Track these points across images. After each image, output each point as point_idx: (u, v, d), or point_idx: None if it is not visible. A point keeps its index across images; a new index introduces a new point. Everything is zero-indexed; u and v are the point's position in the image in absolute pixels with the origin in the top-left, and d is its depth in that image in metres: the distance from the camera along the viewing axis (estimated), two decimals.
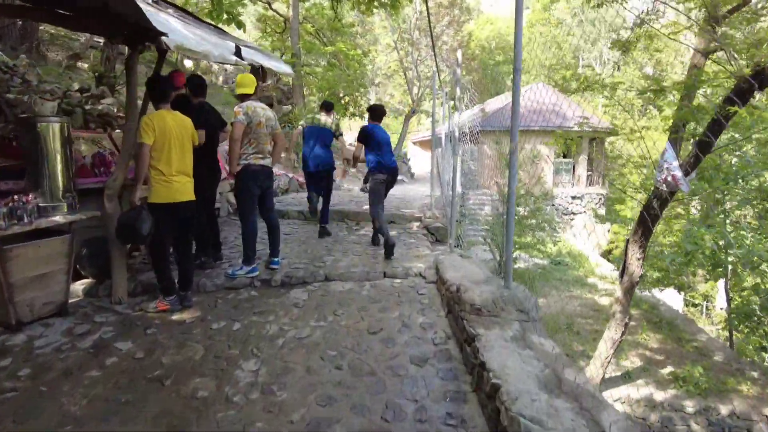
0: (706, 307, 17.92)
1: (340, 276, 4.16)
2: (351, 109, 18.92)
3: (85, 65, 10.74)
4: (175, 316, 3.45)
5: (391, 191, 11.20)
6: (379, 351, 2.87)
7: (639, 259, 6.82)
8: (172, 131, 3.37)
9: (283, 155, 13.68)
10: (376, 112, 5.27)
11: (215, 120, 4.46)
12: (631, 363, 9.41)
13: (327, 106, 5.94)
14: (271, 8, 15.73)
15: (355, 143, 5.19)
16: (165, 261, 3.47)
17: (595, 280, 15.88)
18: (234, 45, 5.46)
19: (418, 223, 6.34)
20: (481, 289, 2.96)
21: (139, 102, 3.99)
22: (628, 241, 6.93)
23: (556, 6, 46.28)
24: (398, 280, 4.15)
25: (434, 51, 7.92)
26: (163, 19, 4.30)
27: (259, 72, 6.76)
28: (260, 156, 4.03)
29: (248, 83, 4.10)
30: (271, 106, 19.72)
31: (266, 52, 6.65)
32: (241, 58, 5.42)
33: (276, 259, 4.29)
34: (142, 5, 3.80)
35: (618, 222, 12.48)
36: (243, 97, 4.10)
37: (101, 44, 9.80)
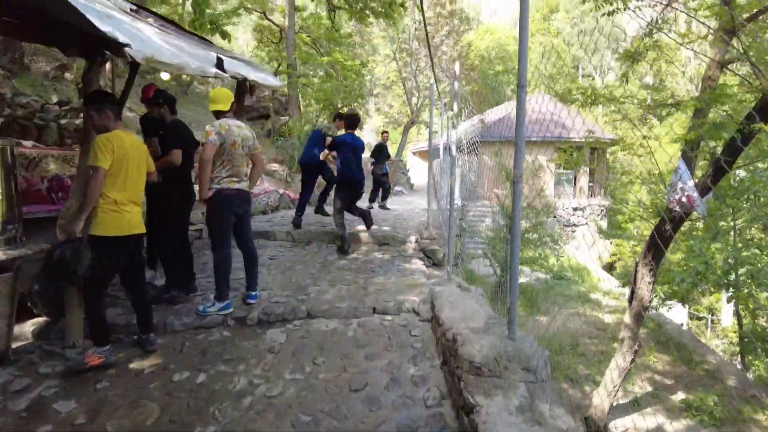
0: (711, 320, 17.51)
1: (325, 312, 3.74)
2: None
3: (73, 76, 10.41)
4: (134, 364, 3.04)
5: (389, 204, 10.81)
6: (361, 415, 2.45)
7: (649, 283, 6.40)
8: (129, 154, 2.97)
9: (276, 167, 13.29)
10: (350, 121, 5.72)
11: (190, 138, 4.11)
12: (640, 388, 8.94)
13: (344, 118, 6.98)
14: (267, 18, 15.44)
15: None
16: (100, 304, 2.99)
17: (598, 296, 15.46)
18: (215, 56, 5.10)
19: (414, 245, 5.92)
20: (481, 341, 2.54)
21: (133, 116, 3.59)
22: (637, 264, 6.52)
23: (555, 16, 46.49)
24: (389, 317, 3.72)
25: (431, 61, 7.58)
26: (132, 28, 3.93)
27: (245, 85, 6.39)
28: (235, 179, 3.63)
29: (223, 99, 3.72)
30: (267, 117, 19.42)
31: (254, 64, 6.28)
32: (223, 71, 5.05)
33: (253, 293, 3.87)
34: (110, 9, 3.43)
35: (624, 237, 12.02)
36: (217, 114, 3.72)
37: None
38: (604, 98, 5.32)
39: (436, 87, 8.18)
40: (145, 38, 3.89)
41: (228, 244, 3.66)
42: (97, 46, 3.29)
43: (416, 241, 5.98)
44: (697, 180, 5.24)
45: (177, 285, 3.94)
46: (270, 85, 6.22)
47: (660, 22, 5.81)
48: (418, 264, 5.33)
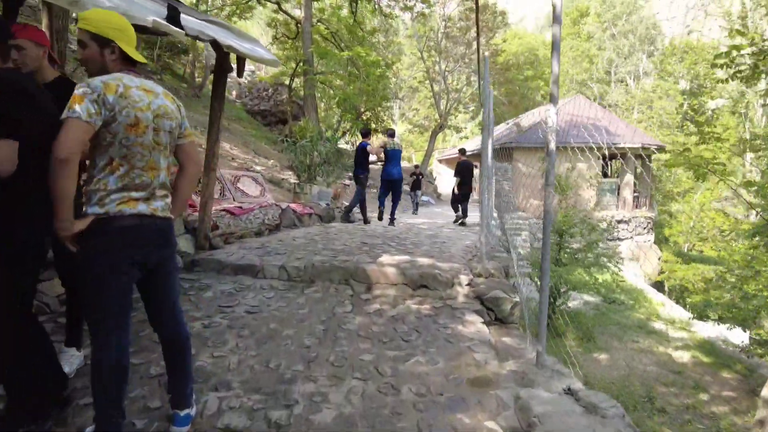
0: None
1: None
2: (373, 125, 17.04)
3: None
4: None
5: (419, 223, 8.96)
6: None
7: None
8: None
9: (289, 175, 11.24)
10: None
11: (52, 118, 2.17)
12: None
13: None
14: (281, 9, 13.85)
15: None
16: None
17: (662, 326, 13.23)
18: (168, 5, 3.36)
19: (465, 291, 3.98)
20: None
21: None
22: None
23: (586, 20, 44.14)
24: None
25: (478, 50, 5.76)
26: None
27: (227, 59, 4.65)
28: (137, 195, 1.77)
29: (110, 27, 1.84)
30: (285, 122, 17.67)
31: (240, 32, 4.50)
32: (179, 27, 3.29)
33: (183, 413, 1.98)
34: None
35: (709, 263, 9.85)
36: None
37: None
38: None
39: (481, 85, 6.30)
40: None
41: (120, 327, 1.78)
42: None
43: (468, 284, 4.05)
44: None
45: (32, 405, 2.00)
46: (260, 58, 4.45)
47: None
48: (475, 324, 3.41)
